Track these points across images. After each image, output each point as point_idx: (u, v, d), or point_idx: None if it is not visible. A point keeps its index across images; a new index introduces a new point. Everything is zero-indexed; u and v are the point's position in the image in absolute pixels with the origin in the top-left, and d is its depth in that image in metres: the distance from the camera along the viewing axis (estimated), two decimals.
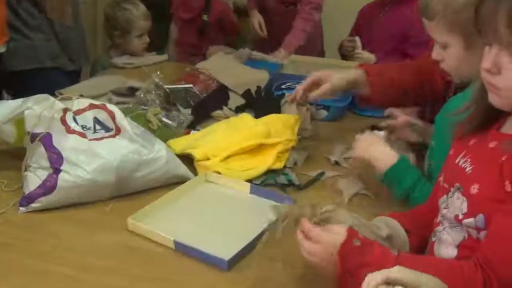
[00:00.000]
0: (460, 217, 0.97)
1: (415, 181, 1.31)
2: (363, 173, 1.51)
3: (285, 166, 1.60)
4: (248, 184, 1.46)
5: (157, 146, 1.46)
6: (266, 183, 1.51)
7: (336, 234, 0.97)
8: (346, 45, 2.47)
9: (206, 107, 1.92)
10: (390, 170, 1.36)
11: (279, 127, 1.74)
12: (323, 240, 0.98)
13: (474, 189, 0.94)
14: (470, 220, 0.95)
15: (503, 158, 0.90)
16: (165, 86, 1.92)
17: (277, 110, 1.90)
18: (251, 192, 1.45)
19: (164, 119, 1.74)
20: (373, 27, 2.45)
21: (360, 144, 1.47)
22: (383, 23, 2.41)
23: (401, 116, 1.63)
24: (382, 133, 1.58)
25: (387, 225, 1.10)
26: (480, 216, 0.93)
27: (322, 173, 1.58)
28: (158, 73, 1.97)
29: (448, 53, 1.21)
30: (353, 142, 1.50)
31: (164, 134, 1.64)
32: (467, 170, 0.98)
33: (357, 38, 2.44)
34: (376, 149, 1.40)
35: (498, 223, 0.88)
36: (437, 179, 1.10)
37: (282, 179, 1.53)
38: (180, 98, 1.95)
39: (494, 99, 0.92)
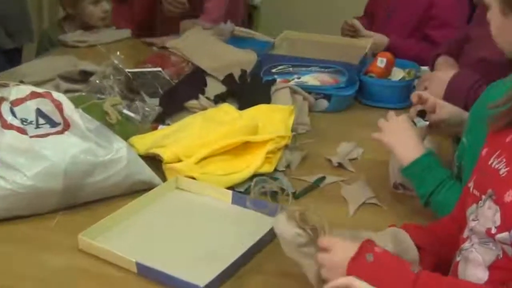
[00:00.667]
0: (493, 231, 0.97)
1: (440, 183, 1.33)
2: (371, 176, 1.53)
3: (276, 170, 1.60)
4: (230, 192, 1.46)
5: (116, 144, 1.45)
6: (252, 190, 1.50)
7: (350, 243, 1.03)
8: (345, 28, 2.54)
9: (178, 96, 1.91)
10: (411, 165, 1.38)
11: (269, 121, 1.74)
12: (335, 247, 1.04)
13: (509, 196, 0.94)
14: (504, 235, 0.95)
15: None
16: (127, 70, 1.92)
17: (267, 99, 1.91)
18: (233, 202, 1.45)
19: (125, 111, 1.74)
20: (389, 5, 2.50)
21: (387, 126, 1.49)
22: (401, 2, 2.46)
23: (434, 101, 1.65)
24: (425, 123, 1.59)
25: (394, 239, 1.11)
26: None
27: (322, 178, 1.59)
28: (119, 53, 1.96)
29: (490, 16, 1.23)
30: (378, 120, 1.52)
31: (125, 129, 1.64)
32: (501, 172, 0.99)
33: (355, 21, 2.51)
34: (402, 137, 1.43)
35: None
36: (466, 184, 1.11)
37: (272, 186, 1.52)
38: (146, 84, 1.95)
39: None
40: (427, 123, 1.58)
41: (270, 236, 1.28)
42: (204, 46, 2.27)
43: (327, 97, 2.00)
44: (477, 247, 1.01)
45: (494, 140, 1.06)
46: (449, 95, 1.69)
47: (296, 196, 1.50)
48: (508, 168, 0.98)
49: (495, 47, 1.22)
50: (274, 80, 2.01)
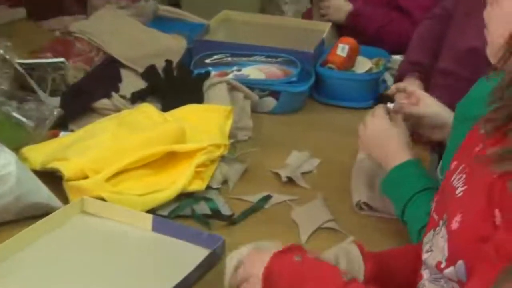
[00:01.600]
0: (442, 264, 1.01)
1: (417, 193, 1.38)
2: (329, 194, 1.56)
3: (209, 187, 1.61)
4: (150, 217, 1.46)
5: (3, 157, 1.44)
6: (178, 214, 1.52)
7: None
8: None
9: (85, 94, 1.91)
10: (391, 173, 1.44)
11: (201, 126, 1.75)
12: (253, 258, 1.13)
13: (456, 222, 0.99)
14: (450, 270, 0.99)
15: (495, 176, 0.94)
16: (17, 61, 1.90)
17: (198, 98, 1.92)
18: (154, 229, 1.45)
19: (14, 114, 1.72)
20: None
21: (362, 132, 1.54)
22: None
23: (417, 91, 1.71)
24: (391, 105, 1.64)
25: (346, 255, 1.15)
26: (460, 264, 0.97)
27: (268, 197, 1.60)
28: (7, 42, 1.94)
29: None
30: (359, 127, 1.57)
31: (15, 137, 1.63)
32: (457, 192, 1.03)
33: None
34: (380, 141, 1.50)
35: (476, 280, 0.91)
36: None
37: (203, 208, 1.54)
38: (44, 80, 1.93)
39: None
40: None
41: (200, 272, 1.28)
42: (118, 30, 2.26)
43: (275, 94, 2.02)
44: (427, 284, 1.06)
45: (465, 150, 1.09)
46: None
47: (234, 220, 1.51)
48: (464, 188, 1.02)
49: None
50: (207, 73, 2.03)
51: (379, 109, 1.58)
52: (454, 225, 0.98)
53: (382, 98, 1.78)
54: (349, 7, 2.56)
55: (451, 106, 1.70)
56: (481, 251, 0.91)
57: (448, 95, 1.75)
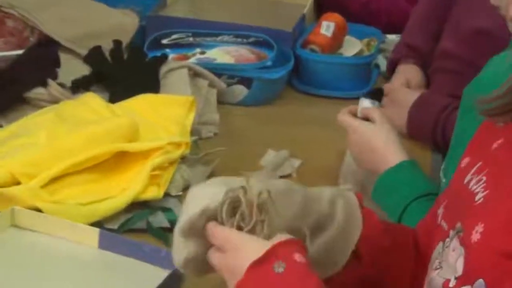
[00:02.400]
0: (451, 283, 1.01)
1: (412, 201, 1.41)
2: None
3: (167, 195, 1.61)
4: (97, 231, 1.45)
5: None
6: (130, 227, 1.52)
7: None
8: None
9: (16, 82, 1.90)
10: (381, 180, 1.47)
11: (156, 120, 1.76)
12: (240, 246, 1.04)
13: (477, 232, 0.98)
14: None
15: None
16: None
17: (153, 86, 1.93)
18: (101, 246, 1.44)
19: None
20: None
21: (348, 136, 1.59)
22: None
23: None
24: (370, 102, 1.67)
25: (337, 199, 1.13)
26: (480, 284, 0.96)
27: None
28: None
29: None
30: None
31: None
32: (477, 198, 1.02)
33: None
34: (365, 147, 1.54)
35: None
36: (434, 208, 1.16)
37: (161, 220, 1.54)
38: None
39: None
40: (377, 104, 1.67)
41: None
42: (56, 4, 2.24)
43: (246, 81, 2.03)
44: None
45: (480, 145, 1.10)
46: (412, 131, 1.83)
47: None
48: (486, 192, 1.01)
49: (499, 15, 1.27)
50: (165, 57, 2.03)
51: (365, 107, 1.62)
52: (475, 236, 0.98)
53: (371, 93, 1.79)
54: None
55: (453, 94, 1.73)
56: (507, 269, 0.92)
57: (450, 82, 1.78)
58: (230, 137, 1.88)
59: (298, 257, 1.01)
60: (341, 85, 2.09)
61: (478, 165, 1.06)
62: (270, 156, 1.79)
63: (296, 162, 1.77)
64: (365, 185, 1.59)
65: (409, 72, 2.06)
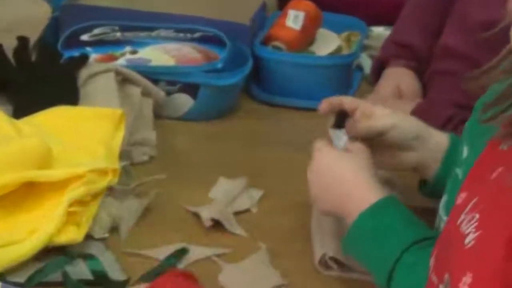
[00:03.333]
0: None
1: (404, 251, 1.38)
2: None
3: (89, 237, 1.60)
4: None
5: None
6: (41, 280, 1.49)
7: None
8: None
9: None
10: (354, 229, 1.44)
11: (75, 140, 1.75)
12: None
13: (465, 284, 1.01)
14: None
15: None
16: None
17: (70, 96, 1.91)
18: None
19: None
20: None
21: (309, 180, 1.56)
22: None
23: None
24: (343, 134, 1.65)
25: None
26: None
27: (183, 252, 1.59)
28: None
29: None
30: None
31: None
32: (467, 240, 1.05)
33: None
34: (328, 183, 1.52)
35: None
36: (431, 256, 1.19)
37: (81, 270, 1.51)
38: None
39: None
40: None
41: None
42: None
43: (191, 89, 2.02)
44: None
45: (479, 175, 1.13)
46: None
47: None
48: (478, 233, 1.04)
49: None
50: (85, 57, 2.01)
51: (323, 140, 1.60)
52: None
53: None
54: None
55: (458, 103, 1.72)
56: None
57: (454, 87, 1.77)
58: (171, 161, 1.88)
59: None
60: (313, 93, 2.07)
61: (474, 201, 1.09)
62: (223, 186, 1.78)
63: (257, 194, 1.77)
64: (343, 222, 1.56)
65: (400, 77, 2.06)
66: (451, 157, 1.53)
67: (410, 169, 1.65)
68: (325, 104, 1.63)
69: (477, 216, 1.06)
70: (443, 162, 1.58)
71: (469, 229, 1.06)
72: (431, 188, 1.61)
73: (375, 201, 1.44)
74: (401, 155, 1.63)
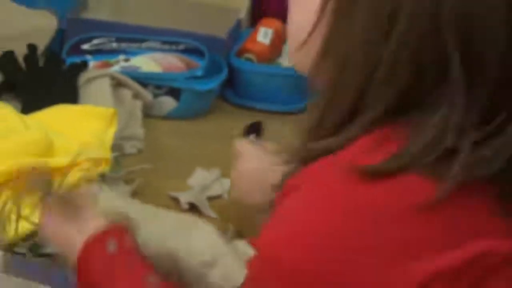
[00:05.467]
0: None
1: None
2: None
3: None
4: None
5: None
6: (43, 252, 1.54)
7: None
8: None
9: None
10: None
11: (73, 133, 1.81)
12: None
13: None
14: None
15: None
16: None
17: (71, 96, 1.98)
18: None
19: None
20: None
21: (241, 170, 1.62)
22: None
23: None
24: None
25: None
26: None
27: None
28: None
29: None
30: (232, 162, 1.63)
31: None
32: None
33: None
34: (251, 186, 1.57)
35: None
36: None
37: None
38: None
39: None
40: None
41: None
42: None
43: (175, 92, 2.08)
44: None
45: None
46: None
47: None
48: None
49: None
50: (84, 64, 2.07)
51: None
52: None
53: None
54: None
55: None
56: None
57: None
58: (156, 153, 1.94)
59: (127, 237, 1.19)
60: (279, 98, 2.14)
61: None
62: (199, 176, 1.84)
63: (228, 183, 1.79)
64: None
65: None
66: None
67: None
68: None
69: None
70: None
71: None
72: None
73: None
74: None
